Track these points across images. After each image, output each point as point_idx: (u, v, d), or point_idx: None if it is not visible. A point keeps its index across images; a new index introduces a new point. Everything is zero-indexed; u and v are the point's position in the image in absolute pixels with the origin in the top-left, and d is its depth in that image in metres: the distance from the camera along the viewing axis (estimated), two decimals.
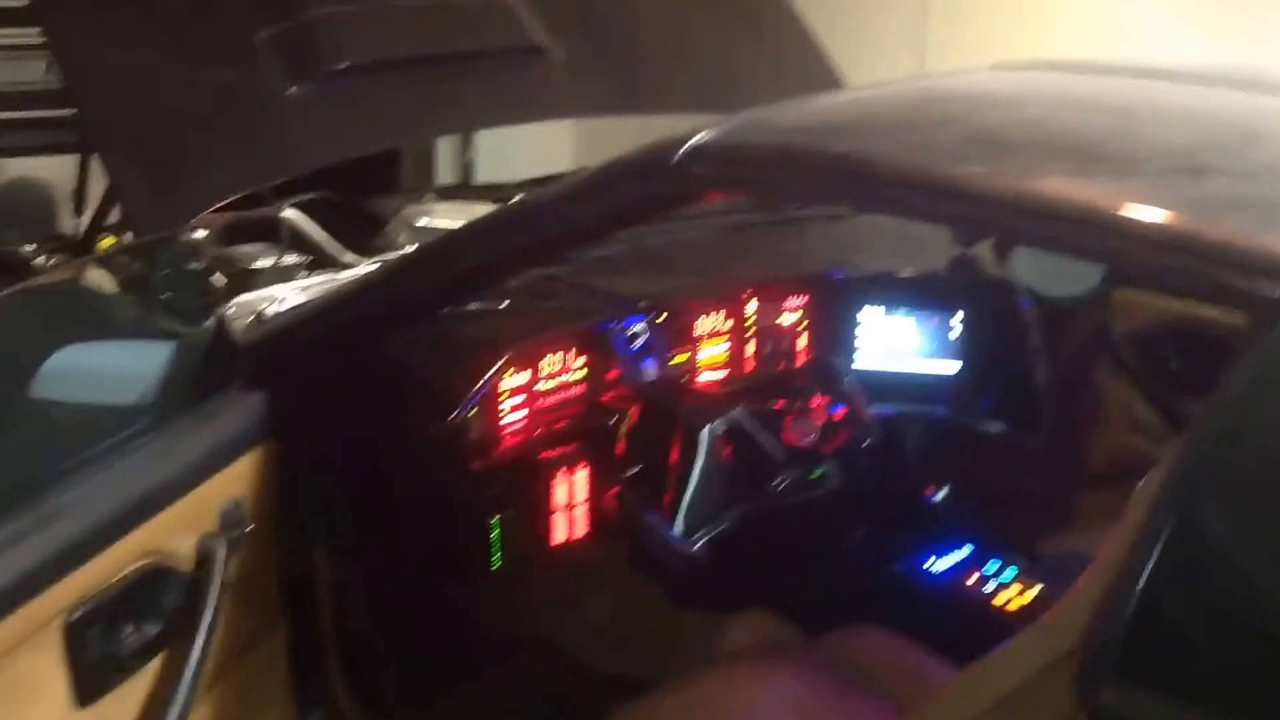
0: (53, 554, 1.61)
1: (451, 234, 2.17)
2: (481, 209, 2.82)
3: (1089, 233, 1.39)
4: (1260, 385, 1.27)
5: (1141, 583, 1.23)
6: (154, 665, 1.80)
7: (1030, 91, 1.88)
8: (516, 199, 2.57)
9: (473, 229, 2.12)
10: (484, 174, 3.94)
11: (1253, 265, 1.28)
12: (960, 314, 2.64)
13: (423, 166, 3.84)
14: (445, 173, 4.00)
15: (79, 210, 2.75)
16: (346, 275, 2.39)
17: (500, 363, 2.18)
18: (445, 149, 4.01)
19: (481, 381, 2.16)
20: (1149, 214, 1.36)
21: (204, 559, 1.85)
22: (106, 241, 2.50)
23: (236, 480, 1.94)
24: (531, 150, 3.56)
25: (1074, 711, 1.27)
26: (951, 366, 2.66)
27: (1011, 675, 1.41)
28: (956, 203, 1.51)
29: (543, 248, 2.04)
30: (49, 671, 1.65)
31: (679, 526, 2.19)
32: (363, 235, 2.69)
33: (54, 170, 3.35)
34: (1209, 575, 1.25)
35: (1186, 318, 2.76)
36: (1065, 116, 1.73)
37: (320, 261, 2.47)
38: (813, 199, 2.53)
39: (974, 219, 1.71)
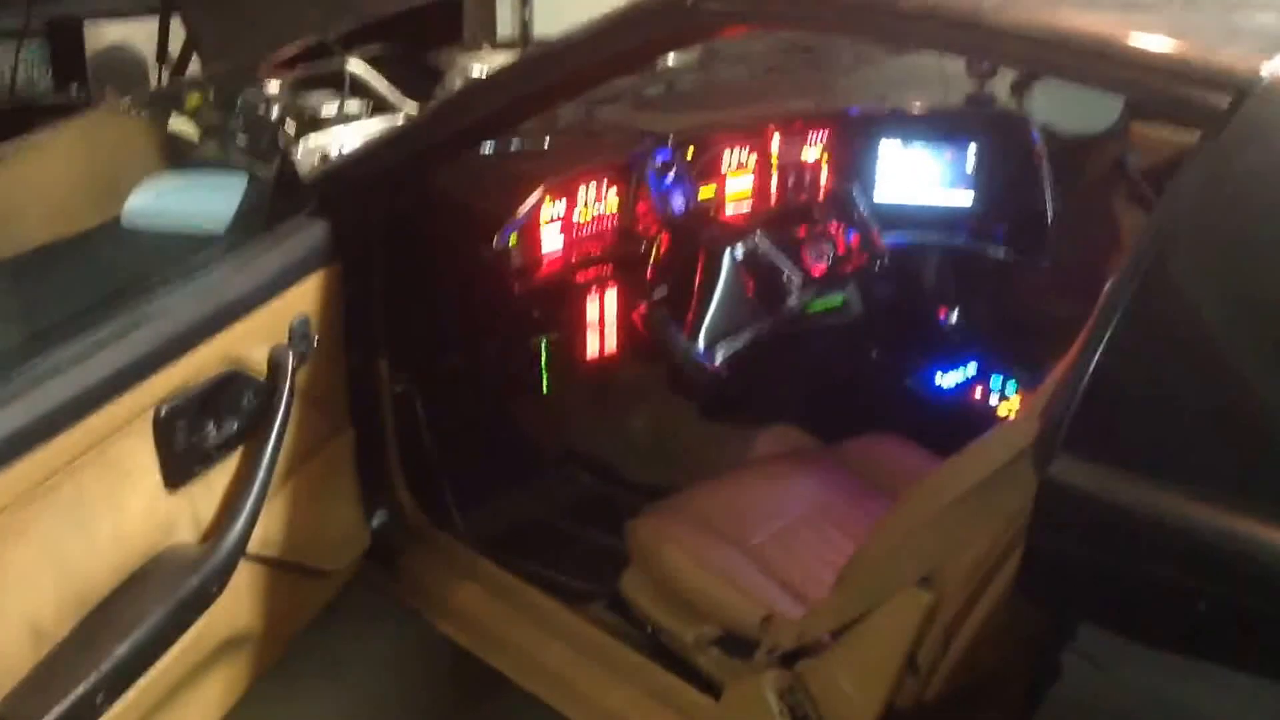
0: (144, 352, 1.80)
1: (493, 74, 2.32)
2: None
3: (1085, 60, 1.54)
4: (1205, 187, 1.41)
5: (1092, 364, 1.39)
6: (234, 458, 2.00)
7: None
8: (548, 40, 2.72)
9: (511, 69, 2.28)
10: (540, 29, 4.05)
11: (1202, 80, 1.43)
12: (974, 146, 2.77)
13: (484, 22, 3.97)
14: (504, 28, 4.11)
15: (161, 62, 2.93)
16: (402, 119, 2.59)
17: (539, 192, 2.36)
18: (505, 5, 4.13)
19: (523, 210, 2.34)
20: (1128, 40, 1.51)
21: (275, 367, 2.04)
22: (193, 98, 2.67)
23: (304, 298, 2.12)
24: (584, 6, 3.67)
25: (1032, 485, 1.43)
26: (966, 197, 2.80)
27: (985, 463, 1.58)
28: (968, 34, 1.62)
29: (573, 82, 2.18)
30: (141, 456, 1.85)
31: (700, 343, 2.38)
32: (423, 85, 2.87)
33: (140, 37, 3.57)
34: (1153, 357, 1.40)
35: None
36: None
37: (382, 108, 2.64)
38: (827, 30, 2.62)
39: (983, 48, 1.81)
